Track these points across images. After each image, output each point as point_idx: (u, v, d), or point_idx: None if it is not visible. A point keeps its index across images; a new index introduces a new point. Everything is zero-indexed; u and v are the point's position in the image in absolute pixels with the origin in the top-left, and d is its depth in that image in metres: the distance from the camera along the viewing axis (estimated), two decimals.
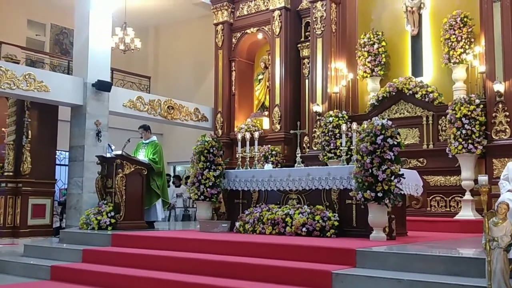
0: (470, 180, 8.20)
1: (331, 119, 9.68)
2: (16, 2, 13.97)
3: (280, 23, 11.48)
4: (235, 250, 5.80)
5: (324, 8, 10.49)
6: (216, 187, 7.62)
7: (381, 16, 10.45)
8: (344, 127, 7.37)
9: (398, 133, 6.05)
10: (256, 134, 8.40)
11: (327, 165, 9.26)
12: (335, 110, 9.92)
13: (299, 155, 8.00)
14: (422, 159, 9.12)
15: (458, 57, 8.96)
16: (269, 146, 10.92)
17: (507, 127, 8.11)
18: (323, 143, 9.78)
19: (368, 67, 10.14)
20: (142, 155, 8.53)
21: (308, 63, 11.07)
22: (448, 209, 8.74)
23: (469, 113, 8.18)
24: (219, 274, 5.22)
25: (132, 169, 8.02)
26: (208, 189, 7.57)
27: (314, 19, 10.65)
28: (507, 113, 8.11)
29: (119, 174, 7.85)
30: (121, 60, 14.24)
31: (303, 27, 11.62)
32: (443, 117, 8.87)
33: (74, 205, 10.25)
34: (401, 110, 9.57)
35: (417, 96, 9.25)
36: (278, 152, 10.83)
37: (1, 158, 10.64)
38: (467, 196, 8.27)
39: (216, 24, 12.60)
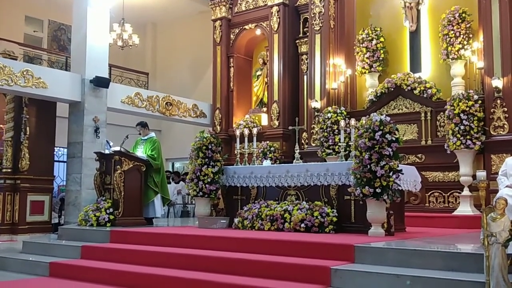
0: (468, 176, 8.21)
1: (329, 115, 9.68)
2: None
3: (278, 19, 11.46)
4: (233, 246, 5.81)
5: (323, 4, 10.47)
6: (215, 183, 7.62)
7: (380, 12, 10.44)
8: (342, 123, 7.37)
9: (397, 129, 6.06)
10: (255, 130, 8.41)
11: (325, 161, 9.26)
12: (333, 106, 9.91)
13: (298, 151, 8.00)
14: (420, 155, 9.11)
15: (456, 52, 8.96)
16: (268, 142, 10.90)
17: (505, 122, 8.11)
18: (321, 139, 9.77)
19: (367, 63, 10.13)
20: (141, 152, 8.53)
21: (307, 59, 11.05)
22: (447, 204, 8.75)
23: (467, 109, 8.19)
24: (217, 270, 5.23)
25: (131, 165, 8.02)
26: (206, 185, 7.57)
27: (313, 15, 10.63)
28: (505, 109, 8.12)
29: (118, 170, 7.85)
30: (119, 56, 14.22)
31: (301, 23, 11.60)
32: (442, 113, 8.88)
33: (72, 201, 10.24)
34: (399, 106, 9.58)
35: (416, 92, 9.25)
36: (276, 148, 10.81)
37: (0, 154, 10.63)
38: (466, 191, 8.28)
39: (214, 20, 12.57)
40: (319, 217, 6.41)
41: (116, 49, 13.16)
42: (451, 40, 9.01)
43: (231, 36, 12.48)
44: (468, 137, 8.15)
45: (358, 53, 10.29)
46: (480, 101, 8.28)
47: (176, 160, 16.42)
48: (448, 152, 8.40)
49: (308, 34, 10.92)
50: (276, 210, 6.78)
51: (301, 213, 6.52)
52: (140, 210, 8.17)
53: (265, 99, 12.01)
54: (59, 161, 13.71)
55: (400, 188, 6.09)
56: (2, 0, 13.66)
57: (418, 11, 9.80)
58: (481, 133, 8.22)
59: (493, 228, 3.76)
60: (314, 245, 5.34)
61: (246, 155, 8.16)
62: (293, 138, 10.24)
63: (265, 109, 11.93)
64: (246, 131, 8.24)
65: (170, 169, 15.77)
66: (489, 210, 3.84)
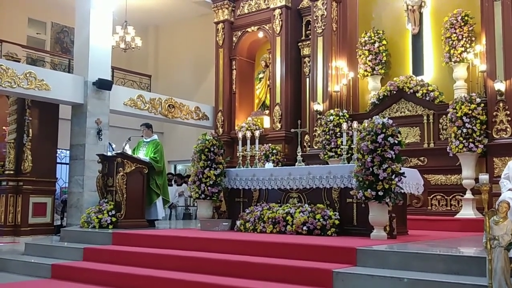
0: (471, 179, 8.20)
1: (332, 117, 9.68)
2: (17, 1, 13.97)
3: (280, 22, 11.48)
4: (235, 249, 5.81)
5: (325, 6, 10.49)
6: (217, 186, 7.62)
7: (382, 14, 10.45)
8: (345, 125, 7.38)
9: (399, 132, 6.05)
10: (257, 133, 8.40)
11: (327, 163, 9.27)
12: (335, 109, 9.92)
13: (300, 153, 8.01)
14: (423, 158, 9.12)
15: (459, 55, 8.96)
16: (270, 144, 10.92)
17: (508, 126, 8.11)
18: (323, 142, 9.77)
19: (369, 65, 10.14)
20: (143, 154, 8.53)
21: (309, 62, 11.07)
22: (449, 208, 8.74)
23: (470, 112, 8.18)
24: (219, 273, 5.22)
25: (133, 167, 8.02)
26: (208, 187, 7.57)
27: (315, 18, 10.64)
28: (508, 112, 8.12)
29: (120, 172, 7.85)
30: (121, 59, 14.24)
31: (303, 25, 11.62)
32: (444, 116, 8.87)
33: (75, 203, 10.26)
34: (402, 108, 9.58)
35: (418, 95, 9.25)
36: (278, 151, 10.83)
37: (2, 156, 10.65)
38: (468, 195, 8.27)
39: (217, 23, 12.60)
40: (321, 220, 6.40)
41: (119, 52, 13.18)
42: (454, 43, 9.01)
43: (234, 38, 12.50)
44: (470, 140, 8.14)
45: (360, 55, 10.30)
46: (482, 104, 8.27)
47: (178, 162, 16.43)
48: (451, 155, 8.39)
49: (310, 36, 10.94)
50: (278, 213, 6.78)
51: (303, 215, 6.52)
52: (142, 212, 8.17)
53: (268, 102, 12.02)
54: (61, 163, 13.72)
55: (402, 191, 6.08)
56: (5, 2, 13.70)
57: (421, 14, 9.80)
58: (483, 136, 8.21)
59: (496, 232, 3.76)
60: (316, 248, 5.33)
61: (248, 157, 8.17)
62: (295, 140, 10.23)
63: (267, 111, 11.94)
64: (249, 134, 8.25)
65: (172, 171, 15.77)
66: (492, 214, 3.84)
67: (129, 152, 8.22)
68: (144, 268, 5.81)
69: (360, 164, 5.95)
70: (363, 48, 10.22)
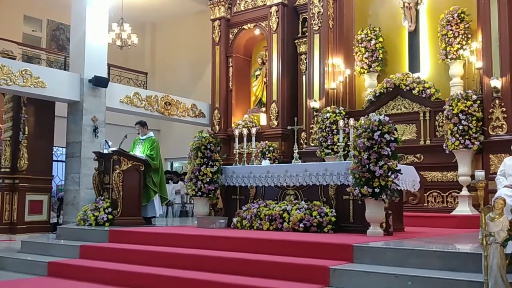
0: (467, 176, 8.22)
1: (328, 115, 9.68)
2: None
3: (277, 19, 11.46)
4: (232, 246, 5.81)
5: (321, 3, 10.48)
6: (214, 183, 7.63)
7: (378, 12, 10.45)
8: (341, 123, 7.38)
9: (395, 129, 6.07)
10: (254, 130, 8.41)
11: (324, 161, 9.27)
12: (332, 106, 9.92)
13: (297, 151, 8.01)
14: (419, 154, 9.12)
15: (455, 53, 8.97)
16: (267, 142, 10.90)
17: (504, 122, 8.13)
18: (320, 139, 9.78)
19: (365, 63, 10.14)
20: (139, 151, 8.52)
21: (305, 59, 11.06)
22: (445, 204, 8.76)
23: (466, 109, 8.20)
24: (216, 270, 5.23)
25: (129, 165, 8.02)
26: (205, 185, 7.58)
27: (311, 15, 10.64)
28: (504, 109, 8.14)
29: (116, 170, 7.85)
30: (118, 56, 14.21)
31: (300, 23, 11.61)
32: (440, 113, 8.89)
33: (71, 201, 10.23)
34: (398, 106, 9.58)
35: (414, 92, 9.26)
36: (275, 148, 10.81)
37: None
38: (464, 191, 8.29)
39: (213, 20, 12.57)
40: (317, 217, 6.41)
41: (115, 49, 13.15)
42: (450, 40, 9.02)
43: (230, 36, 12.47)
44: (466, 137, 8.16)
45: (357, 53, 10.30)
46: (478, 101, 8.29)
47: (175, 160, 16.42)
48: (447, 152, 8.41)
49: (307, 34, 10.92)
50: (275, 210, 6.79)
51: (300, 213, 6.52)
52: (139, 210, 8.17)
53: (264, 99, 12.01)
54: (57, 161, 13.69)
55: (398, 188, 6.09)
56: (0, 0, 13.64)
57: (417, 11, 9.82)
58: (479, 133, 8.23)
59: (492, 228, 3.77)
60: (313, 244, 5.34)
61: (245, 155, 8.17)
62: (292, 138, 10.24)
63: (264, 109, 11.93)
64: (245, 131, 8.25)
65: (169, 169, 15.76)
66: (488, 210, 3.84)
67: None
68: (140, 265, 5.81)
69: (356, 161, 5.96)
70: (360, 45, 10.22)
